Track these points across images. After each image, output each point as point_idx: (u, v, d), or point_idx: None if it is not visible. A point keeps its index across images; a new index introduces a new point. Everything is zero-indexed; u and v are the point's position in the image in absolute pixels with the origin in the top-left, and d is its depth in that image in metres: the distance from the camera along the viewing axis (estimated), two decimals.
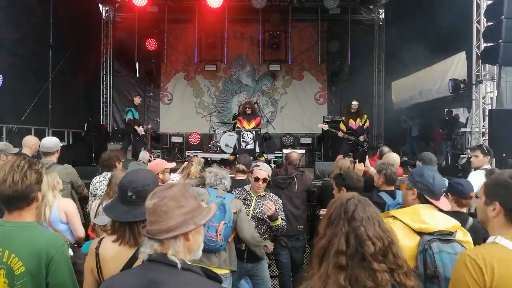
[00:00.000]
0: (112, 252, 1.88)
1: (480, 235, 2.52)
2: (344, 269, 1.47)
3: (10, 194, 1.80)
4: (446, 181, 2.96)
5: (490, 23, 6.87)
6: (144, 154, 6.51)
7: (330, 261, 1.49)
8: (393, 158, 4.55)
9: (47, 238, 1.88)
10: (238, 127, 9.46)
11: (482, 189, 1.79)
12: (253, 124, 9.37)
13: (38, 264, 1.78)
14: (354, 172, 3.06)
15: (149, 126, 10.12)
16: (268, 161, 9.61)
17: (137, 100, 9.68)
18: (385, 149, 5.90)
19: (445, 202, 2.40)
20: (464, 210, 3.19)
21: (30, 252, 1.79)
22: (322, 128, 9.53)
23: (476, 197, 1.98)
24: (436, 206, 2.33)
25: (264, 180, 3.77)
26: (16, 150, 4.47)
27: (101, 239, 1.98)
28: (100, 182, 4.32)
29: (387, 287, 1.45)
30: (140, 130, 9.39)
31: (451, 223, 2.21)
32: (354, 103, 8.75)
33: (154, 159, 5.63)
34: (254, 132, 9.06)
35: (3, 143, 4.50)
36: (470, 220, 3.01)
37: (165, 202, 1.43)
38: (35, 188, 1.87)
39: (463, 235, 2.21)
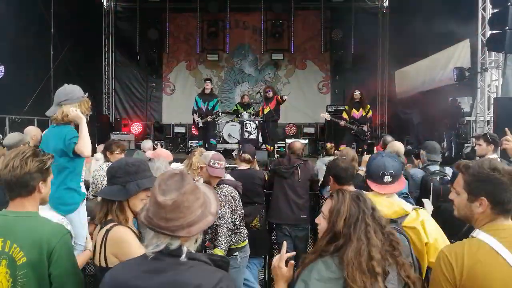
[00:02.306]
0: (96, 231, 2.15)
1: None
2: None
3: (8, 179, 1.81)
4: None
5: (496, 10, 6.76)
6: (145, 143, 6.55)
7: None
8: (398, 146, 4.52)
9: (49, 228, 1.86)
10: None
11: (461, 186, 1.72)
12: (268, 108, 9.34)
13: (40, 254, 1.76)
14: None
15: (211, 116, 9.29)
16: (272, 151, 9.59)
17: (206, 86, 9.34)
18: (388, 138, 5.87)
19: (392, 186, 2.31)
20: None
21: (31, 242, 1.77)
22: (325, 118, 9.49)
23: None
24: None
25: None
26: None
27: None
28: (96, 172, 4.42)
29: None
30: (198, 120, 9.11)
31: (392, 209, 2.17)
32: (357, 92, 8.72)
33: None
34: (257, 122, 9.03)
35: (17, 133, 4.54)
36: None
37: (186, 198, 1.38)
38: (36, 177, 1.84)
39: (414, 219, 2.15)
